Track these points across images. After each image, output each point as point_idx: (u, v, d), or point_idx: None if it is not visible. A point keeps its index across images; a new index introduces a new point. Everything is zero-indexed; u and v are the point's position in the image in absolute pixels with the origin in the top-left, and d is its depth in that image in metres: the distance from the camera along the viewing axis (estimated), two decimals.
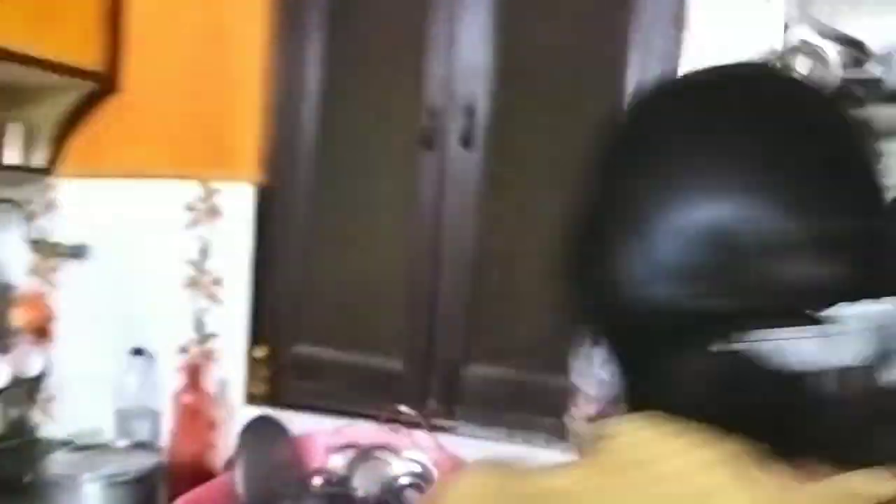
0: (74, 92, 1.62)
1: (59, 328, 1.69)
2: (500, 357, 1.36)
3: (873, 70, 0.94)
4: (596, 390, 1.08)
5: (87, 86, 1.60)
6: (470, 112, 1.39)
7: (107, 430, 1.49)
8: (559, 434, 1.23)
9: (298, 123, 1.54)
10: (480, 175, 1.39)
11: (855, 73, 0.93)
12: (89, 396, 1.60)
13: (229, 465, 1.30)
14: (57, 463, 1.22)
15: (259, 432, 1.20)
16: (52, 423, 1.67)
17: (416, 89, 1.43)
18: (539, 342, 1.33)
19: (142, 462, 1.22)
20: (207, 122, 1.55)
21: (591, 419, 1.10)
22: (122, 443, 1.33)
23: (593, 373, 1.11)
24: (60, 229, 1.69)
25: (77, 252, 1.67)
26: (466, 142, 1.39)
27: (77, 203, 1.69)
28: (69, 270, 1.69)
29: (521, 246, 1.38)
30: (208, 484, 1.11)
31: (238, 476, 1.11)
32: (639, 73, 1.26)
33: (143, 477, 1.19)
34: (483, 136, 1.39)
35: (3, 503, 1.30)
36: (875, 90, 0.95)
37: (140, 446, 1.32)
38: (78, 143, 1.69)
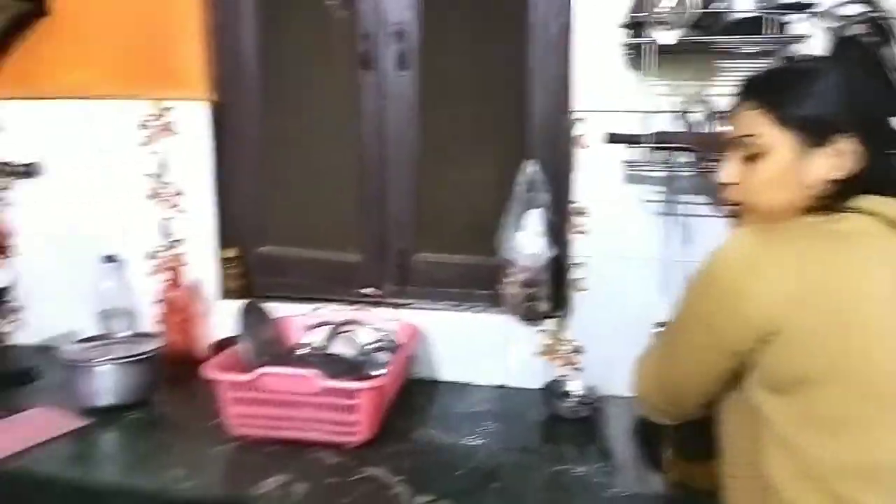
0: (2, 15, 1.64)
1: (20, 243, 1.78)
2: (443, 244, 1.66)
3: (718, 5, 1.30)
4: (527, 262, 1.44)
5: (16, 7, 1.63)
6: (401, 36, 1.59)
7: (83, 332, 1.62)
8: (494, 302, 1.58)
9: (240, 44, 1.67)
10: (415, 91, 1.62)
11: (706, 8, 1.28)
12: (62, 303, 1.74)
13: (218, 346, 1.55)
14: (73, 350, 1.41)
15: (252, 315, 1.44)
16: (25, 329, 1.80)
17: (350, 15, 1.60)
18: (474, 230, 1.64)
19: (147, 345, 1.43)
20: (148, 44, 1.65)
21: (524, 284, 1.45)
22: (124, 334, 1.52)
23: (525, 246, 1.46)
24: (6, 150, 1.75)
25: (28, 170, 1.74)
26: (401, 63, 1.61)
27: (19, 124, 1.74)
28: (21, 189, 1.76)
29: (454, 150, 1.65)
30: (224, 353, 1.35)
31: (243, 347, 1.36)
32: (542, 10, 1.52)
33: (147, 359, 1.40)
34: (415, 58, 1.60)
35: (21, 392, 1.48)
36: (718, 21, 1.30)
37: (140, 335, 1.52)
38: (12, 65, 1.72)
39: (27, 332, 1.80)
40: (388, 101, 1.63)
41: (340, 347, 1.52)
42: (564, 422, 1.39)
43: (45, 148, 1.74)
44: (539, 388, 1.51)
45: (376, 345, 1.50)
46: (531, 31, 1.54)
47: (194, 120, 1.66)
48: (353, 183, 1.67)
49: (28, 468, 1.17)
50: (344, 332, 1.55)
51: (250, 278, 1.71)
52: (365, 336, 1.55)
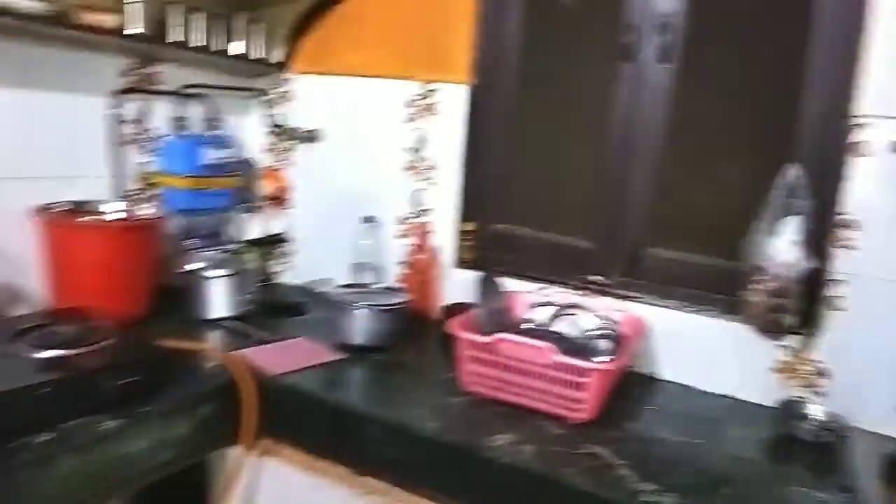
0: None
1: (296, 198, 2.09)
2: (680, 241, 1.62)
3: None
4: (778, 270, 1.35)
5: None
6: (666, 29, 1.57)
7: (337, 279, 1.82)
8: (730, 308, 1.51)
9: (503, 32, 1.77)
10: (673, 84, 1.58)
11: None
12: (323, 252, 2.02)
13: (449, 309, 1.68)
14: (336, 294, 1.63)
15: (487, 286, 1.55)
16: (291, 272, 2.12)
17: (615, 7, 1.62)
18: (716, 231, 1.58)
19: (395, 298, 1.61)
20: (424, 30, 1.82)
21: (772, 294, 1.37)
22: (376, 285, 1.72)
23: (778, 254, 1.38)
24: (295, 117, 2.05)
25: (310, 136, 2.03)
26: (662, 56, 1.59)
27: (309, 95, 2.03)
28: (302, 151, 2.06)
29: (707, 147, 1.59)
30: (462, 316, 1.47)
31: (478, 312, 1.48)
32: (831, 3, 1.40)
33: (395, 310, 1.58)
34: (678, 50, 1.57)
35: (291, 322, 1.75)
36: None
37: (388, 289, 1.72)
38: (309, 44, 2.01)
39: (292, 273, 2.11)
40: (644, 92, 1.61)
41: (563, 328, 1.56)
42: (800, 444, 1.29)
43: (327, 118, 2.01)
44: (768, 406, 1.42)
45: (598, 332, 1.52)
46: (814, 26, 1.43)
47: (454, 102, 1.80)
48: (594, 171, 1.70)
49: (298, 385, 1.39)
50: (567, 314, 1.59)
51: (484, 251, 1.82)
52: (587, 322, 1.57)
